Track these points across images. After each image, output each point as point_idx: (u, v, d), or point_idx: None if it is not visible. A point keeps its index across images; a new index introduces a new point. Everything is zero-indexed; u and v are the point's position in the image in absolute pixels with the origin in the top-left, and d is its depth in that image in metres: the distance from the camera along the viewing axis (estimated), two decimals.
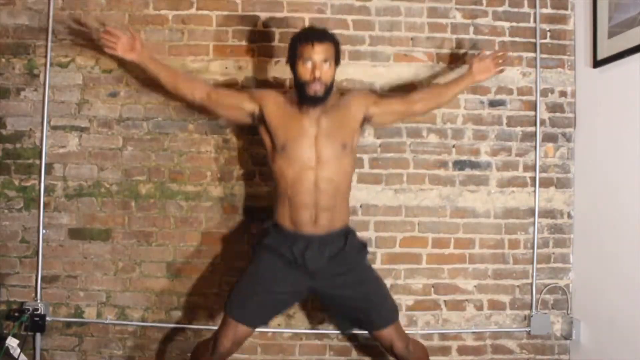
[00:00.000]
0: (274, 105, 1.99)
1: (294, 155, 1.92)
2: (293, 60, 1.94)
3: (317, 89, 1.88)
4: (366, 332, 2.09)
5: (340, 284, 1.95)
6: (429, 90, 2.22)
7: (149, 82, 2.45)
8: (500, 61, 2.21)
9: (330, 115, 1.96)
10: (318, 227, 1.93)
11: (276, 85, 2.43)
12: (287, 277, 1.93)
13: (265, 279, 1.93)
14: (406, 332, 2.46)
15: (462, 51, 2.51)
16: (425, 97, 2.16)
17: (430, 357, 2.46)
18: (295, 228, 1.94)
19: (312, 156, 1.92)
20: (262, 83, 2.42)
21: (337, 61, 1.96)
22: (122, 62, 2.45)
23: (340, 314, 2.06)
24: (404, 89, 2.48)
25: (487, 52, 2.26)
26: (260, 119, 2.01)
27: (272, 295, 1.94)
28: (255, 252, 2.03)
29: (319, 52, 1.87)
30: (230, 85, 2.45)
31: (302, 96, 1.93)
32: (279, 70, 2.43)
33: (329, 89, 1.93)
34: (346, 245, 1.96)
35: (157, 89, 2.44)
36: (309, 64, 1.88)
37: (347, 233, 2.01)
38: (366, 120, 2.06)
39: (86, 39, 2.42)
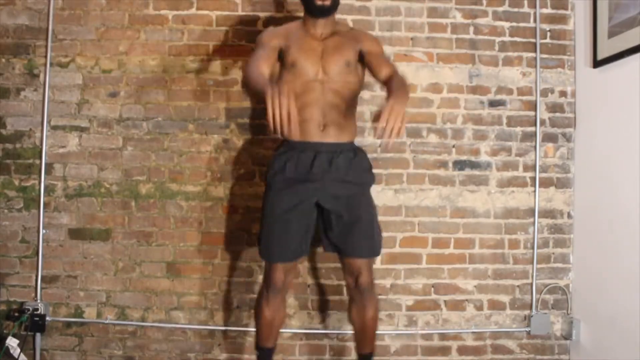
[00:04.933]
0: (287, 35, 2.04)
1: (302, 69, 1.97)
2: None
3: None
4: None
5: (342, 198, 1.96)
6: (390, 78, 1.97)
7: (149, 82, 2.45)
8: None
9: (335, 38, 2.03)
10: (326, 136, 1.96)
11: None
12: (298, 196, 1.94)
13: (281, 212, 1.94)
14: (407, 332, 2.48)
15: (462, 51, 2.52)
16: (386, 80, 1.98)
17: (430, 357, 2.49)
18: (304, 138, 1.96)
19: (318, 70, 1.98)
20: None
21: None
22: (122, 62, 2.45)
23: (328, 233, 2.02)
24: None
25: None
26: (281, 50, 2.03)
27: (294, 223, 1.95)
28: (266, 179, 2.04)
29: None
30: (231, 84, 2.46)
31: (310, 9, 2.01)
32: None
33: (335, 1, 2.01)
34: (356, 157, 2.01)
35: (157, 89, 2.45)
36: None
37: (356, 149, 2.06)
38: (360, 57, 2.06)
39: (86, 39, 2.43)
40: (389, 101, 1.67)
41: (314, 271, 2.47)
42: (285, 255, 1.96)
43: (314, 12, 2.00)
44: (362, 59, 2.07)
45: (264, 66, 1.91)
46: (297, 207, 1.94)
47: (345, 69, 2.00)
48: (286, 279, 1.99)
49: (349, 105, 2.03)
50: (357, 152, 2.04)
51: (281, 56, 2.02)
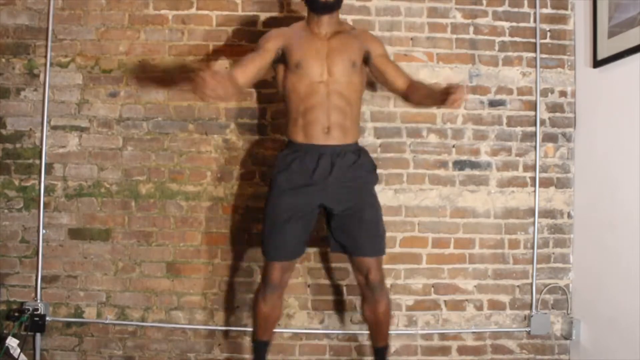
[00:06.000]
0: (290, 35, 2.04)
1: (307, 70, 1.97)
2: None
3: None
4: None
5: (345, 199, 1.97)
6: (413, 83, 2.08)
7: (149, 82, 2.45)
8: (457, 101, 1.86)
9: (340, 38, 2.03)
10: (330, 138, 1.97)
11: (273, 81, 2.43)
12: (299, 198, 1.96)
13: (281, 212, 1.96)
14: (407, 332, 2.48)
15: (462, 51, 2.52)
16: (408, 87, 2.07)
17: (430, 357, 2.48)
18: (308, 141, 1.98)
19: (323, 71, 1.98)
20: (262, 82, 2.42)
21: None
22: (122, 62, 2.45)
23: (335, 233, 2.04)
24: None
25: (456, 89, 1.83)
26: (281, 53, 2.03)
27: (293, 224, 1.97)
28: (270, 180, 2.06)
29: None
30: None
31: (313, 6, 2.00)
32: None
33: None
34: (359, 159, 2.02)
35: (157, 89, 2.45)
36: None
37: (360, 150, 2.07)
38: (365, 59, 2.08)
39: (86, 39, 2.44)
40: (448, 86, 1.83)
41: (314, 271, 2.47)
42: (283, 255, 1.99)
43: (317, 8, 2.00)
44: (366, 60, 2.07)
45: (238, 72, 1.90)
46: (298, 208, 1.96)
47: (351, 69, 2.00)
48: (282, 278, 2.02)
49: (353, 106, 2.04)
50: (360, 153, 2.05)
51: (284, 58, 2.01)
